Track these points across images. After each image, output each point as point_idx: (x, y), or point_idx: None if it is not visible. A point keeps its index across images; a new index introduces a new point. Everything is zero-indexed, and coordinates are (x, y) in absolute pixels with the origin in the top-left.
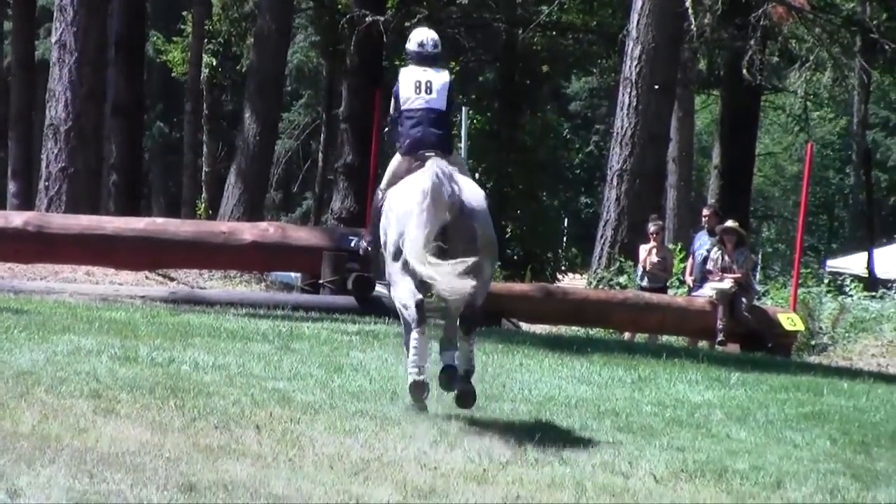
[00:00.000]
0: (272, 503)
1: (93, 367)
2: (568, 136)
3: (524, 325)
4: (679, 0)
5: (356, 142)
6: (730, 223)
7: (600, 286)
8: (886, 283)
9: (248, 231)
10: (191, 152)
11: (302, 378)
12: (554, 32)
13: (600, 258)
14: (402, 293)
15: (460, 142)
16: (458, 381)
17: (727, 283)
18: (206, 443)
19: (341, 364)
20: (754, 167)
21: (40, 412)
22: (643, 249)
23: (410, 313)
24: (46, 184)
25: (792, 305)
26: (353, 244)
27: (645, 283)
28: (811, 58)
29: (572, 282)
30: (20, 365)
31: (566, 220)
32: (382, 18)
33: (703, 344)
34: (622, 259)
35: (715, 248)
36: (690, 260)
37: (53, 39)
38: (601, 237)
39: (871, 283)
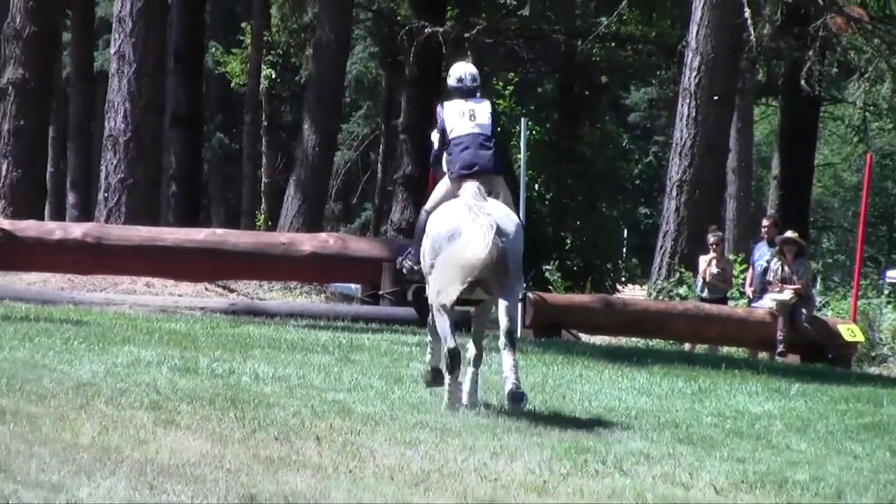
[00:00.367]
0: None
1: (153, 379)
2: (627, 147)
3: (584, 336)
4: (738, 11)
5: (415, 152)
6: (789, 234)
7: (660, 297)
8: None
9: (308, 242)
10: (250, 163)
11: (362, 389)
12: (613, 43)
13: (660, 269)
14: (439, 329)
15: (520, 152)
16: (509, 397)
17: (787, 294)
18: (266, 454)
19: (401, 375)
20: (813, 178)
21: (100, 423)
22: (703, 260)
23: (445, 357)
24: (106, 195)
25: (852, 316)
26: (398, 264)
27: (705, 294)
28: (870, 69)
29: (632, 293)
30: (80, 376)
31: (626, 231)
32: (441, 29)
33: (763, 355)
34: (682, 270)
35: (775, 259)
36: (750, 271)
37: (112, 50)
38: (661, 248)
39: None
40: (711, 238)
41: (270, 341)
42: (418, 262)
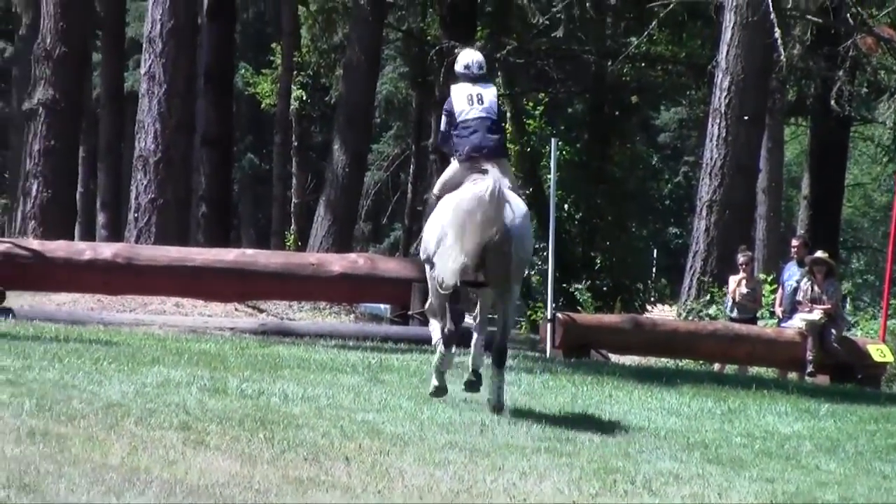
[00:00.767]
0: None
1: (182, 399)
2: (657, 167)
3: (613, 357)
4: (768, 31)
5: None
6: (819, 254)
7: (689, 317)
8: None
9: (338, 262)
10: (280, 184)
11: (391, 409)
12: (643, 64)
13: (689, 289)
14: (435, 308)
15: (550, 173)
16: (492, 407)
17: (817, 315)
18: (295, 475)
19: (431, 397)
20: (843, 198)
21: (130, 444)
22: (732, 280)
23: (437, 335)
24: (136, 215)
25: (881, 336)
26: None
27: (734, 314)
28: None
29: (661, 313)
30: (110, 397)
31: (655, 251)
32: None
33: (792, 375)
34: (712, 290)
35: (804, 279)
36: (780, 291)
37: (142, 71)
38: (690, 268)
39: None
40: (741, 258)
41: (300, 361)
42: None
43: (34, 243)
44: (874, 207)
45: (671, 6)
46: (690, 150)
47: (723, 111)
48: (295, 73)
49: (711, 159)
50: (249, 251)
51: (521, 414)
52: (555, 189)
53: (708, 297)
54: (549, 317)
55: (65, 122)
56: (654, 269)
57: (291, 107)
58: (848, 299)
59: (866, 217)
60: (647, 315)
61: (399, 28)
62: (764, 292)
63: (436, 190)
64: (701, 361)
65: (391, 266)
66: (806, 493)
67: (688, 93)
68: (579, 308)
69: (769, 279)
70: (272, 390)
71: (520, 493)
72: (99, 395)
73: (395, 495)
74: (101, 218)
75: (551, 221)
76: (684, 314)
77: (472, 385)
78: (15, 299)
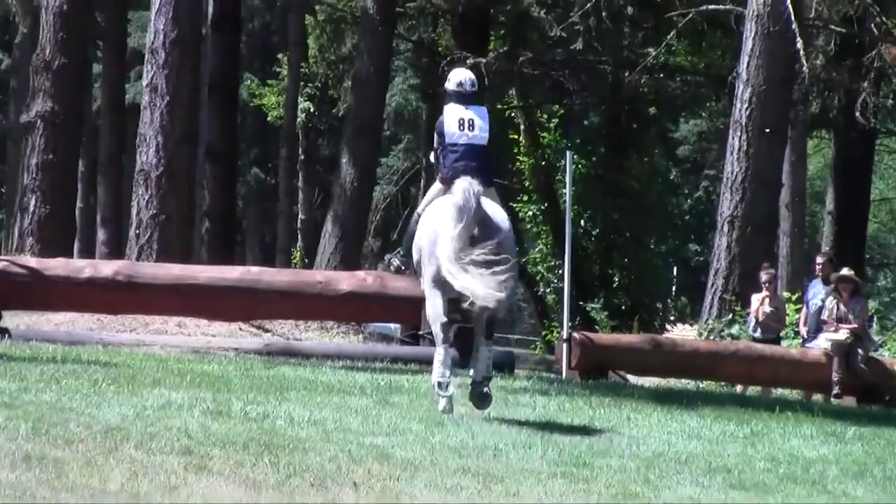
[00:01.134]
0: None
1: (184, 423)
2: (676, 181)
3: (632, 378)
4: (790, 41)
5: None
6: (845, 271)
7: (711, 337)
8: None
9: (346, 280)
10: (286, 199)
11: (401, 433)
12: (661, 74)
13: (711, 308)
14: (432, 311)
15: (565, 187)
16: (477, 386)
17: (843, 334)
18: (301, 501)
19: (442, 419)
20: (869, 213)
21: (130, 469)
22: (755, 299)
23: (437, 331)
24: (137, 231)
25: None
26: (386, 261)
27: (757, 333)
28: None
29: (682, 333)
30: (109, 420)
31: (675, 268)
32: (484, 61)
33: (817, 397)
34: (734, 309)
35: (830, 298)
36: (804, 310)
37: (144, 82)
38: (711, 286)
39: None
40: (764, 276)
41: (306, 383)
42: (406, 262)
43: (32, 261)
44: None
45: (690, 16)
46: (711, 163)
47: (744, 123)
48: (302, 84)
49: (732, 173)
50: (254, 269)
51: (536, 438)
52: (570, 204)
53: (730, 316)
54: (564, 337)
55: (64, 135)
56: (673, 287)
57: (298, 119)
58: (875, 318)
59: (893, 233)
60: (666, 335)
61: (409, 38)
62: (788, 311)
63: (420, 208)
64: (723, 383)
65: (401, 284)
66: None
67: (707, 104)
68: (596, 328)
69: (793, 298)
70: (277, 413)
71: None
72: (97, 418)
73: None
74: (101, 234)
75: (567, 237)
76: (705, 334)
77: (483, 398)
78: (11, 319)
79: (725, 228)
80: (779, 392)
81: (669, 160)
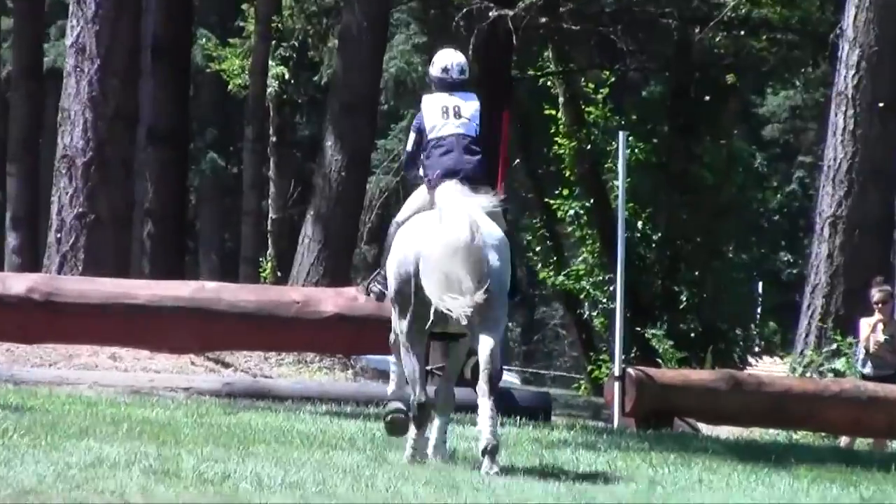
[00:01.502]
0: None
1: (119, 485)
2: (762, 171)
3: (704, 427)
4: None
5: None
6: None
7: (807, 373)
8: None
9: (331, 300)
10: (253, 193)
11: (402, 499)
12: (742, 31)
13: (807, 336)
14: (408, 364)
15: (617, 178)
16: (484, 452)
17: None
18: None
19: (457, 481)
20: None
21: None
22: (865, 324)
23: (413, 408)
24: (58, 236)
25: None
26: (365, 286)
27: (868, 369)
28: None
29: (769, 368)
30: (22, 481)
31: (760, 283)
32: (512, 13)
33: None
34: (837, 337)
35: None
36: None
37: (69, 42)
38: (808, 307)
39: None
40: (877, 294)
41: (279, 434)
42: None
43: None
44: None
45: None
46: (807, 147)
47: (850, 95)
48: (273, 43)
49: (835, 160)
50: (211, 284)
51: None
52: (624, 200)
53: (832, 346)
54: (616, 373)
55: None
56: (758, 309)
57: (269, 89)
58: None
59: None
60: (749, 371)
61: None
62: None
63: (399, 217)
64: (823, 433)
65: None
66: None
67: (803, 71)
68: (658, 361)
69: None
70: (241, 473)
71: None
72: (7, 479)
73: None
74: (11, 239)
75: (619, 245)
76: (800, 369)
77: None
78: None
79: (826, 232)
80: None
81: (753, 143)
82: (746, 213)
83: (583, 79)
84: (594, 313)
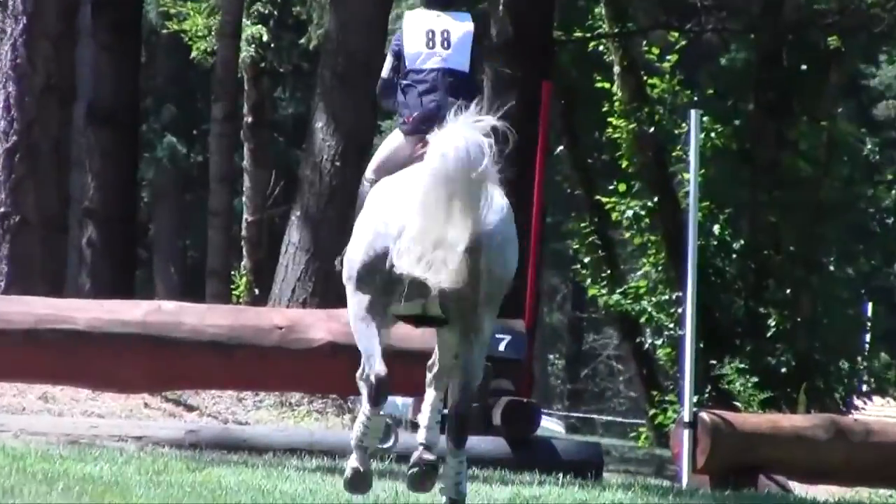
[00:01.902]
0: None
1: None
2: (873, 161)
3: (796, 486)
4: None
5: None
6: None
7: None
8: None
9: (322, 324)
10: (222, 188)
11: None
12: None
13: None
14: (364, 344)
15: (688, 170)
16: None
17: None
18: None
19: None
20: None
21: None
22: None
23: (366, 385)
24: None
25: None
26: (336, 264)
27: None
28: None
29: (880, 411)
30: None
31: (870, 305)
32: None
33: None
34: None
35: None
36: None
37: None
38: None
39: None
40: None
41: (257, 495)
42: None
43: None
44: None
45: None
46: None
47: None
48: None
49: None
50: (169, 305)
51: None
52: (696, 199)
53: None
54: (686, 419)
55: None
56: (866, 337)
57: (242, 55)
58: None
59: None
60: (854, 415)
61: None
62: None
63: (369, 173)
64: None
65: (413, 330)
66: None
67: None
68: (737, 403)
69: None
70: None
71: None
72: None
73: None
74: None
75: (690, 255)
76: None
77: (423, 476)
78: None
79: None
80: None
81: (862, 126)
82: (853, 215)
83: (645, 42)
84: (658, 342)
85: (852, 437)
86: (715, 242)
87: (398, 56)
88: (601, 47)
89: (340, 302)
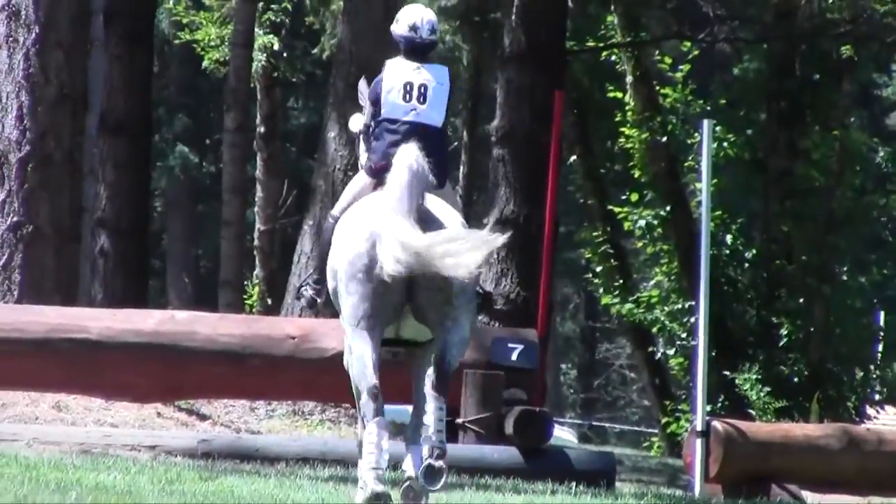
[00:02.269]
0: None
1: None
2: (887, 170)
3: (809, 496)
4: None
5: (520, 177)
6: None
7: None
8: None
9: (335, 334)
10: (235, 198)
11: None
12: None
13: None
14: (356, 366)
15: (699, 180)
16: (423, 472)
17: None
18: None
19: None
20: None
21: None
22: None
23: (363, 401)
24: None
25: None
26: (300, 290)
27: None
28: None
29: (893, 420)
30: None
31: (882, 314)
32: None
33: None
34: None
35: None
36: None
37: None
38: None
39: None
40: None
41: None
42: (321, 292)
43: None
44: None
45: None
46: None
47: None
48: (261, 7)
49: None
50: (182, 315)
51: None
52: (708, 208)
53: None
54: (699, 428)
55: None
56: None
57: (255, 65)
58: None
59: None
60: (867, 425)
61: None
62: None
63: (335, 210)
64: None
65: None
66: None
67: None
68: (751, 412)
69: None
70: None
71: None
72: None
73: None
74: None
75: (703, 264)
76: None
77: (434, 474)
78: None
79: None
80: None
81: (875, 136)
82: (865, 225)
83: (657, 52)
84: (670, 352)
85: (865, 447)
86: (727, 252)
87: (376, 102)
88: (613, 57)
89: None
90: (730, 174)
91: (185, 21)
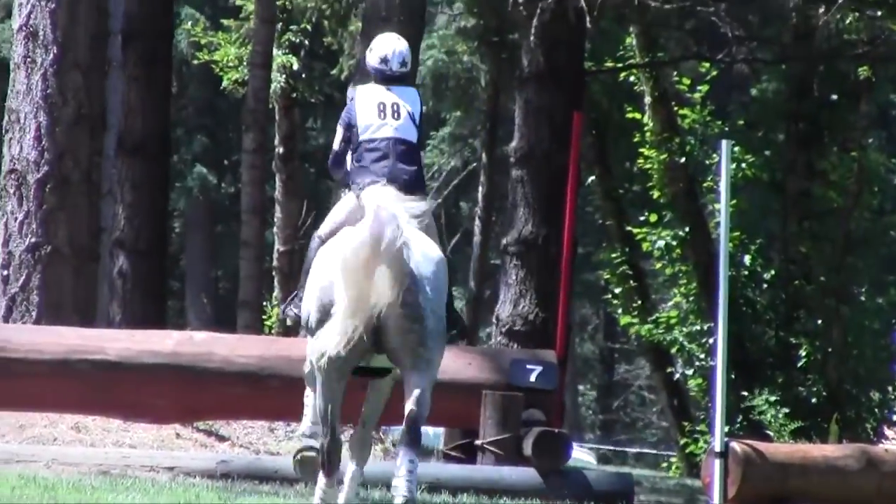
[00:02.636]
0: None
1: None
2: None
3: None
4: None
5: (539, 198)
6: None
7: None
8: None
9: None
10: (253, 219)
11: None
12: (879, 11)
13: None
14: (321, 406)
15: (717, 202)
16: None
17: None
18: None
19: None
20: None
21: None
22: None
23: (321, 452)
24: (5, 273)
25: None
26: (282, 310)
27: None
28: None
29: None
30: None
31: None
32: None
33: None
34: None
35: None
36: None
37: (16, 24)
38: None
39: None
40: None
41: None
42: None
43: None
44: None
45: None
46: None
47: None
48: (280, 27)
49: None
50: (200, 335)
51: None
52: (727, 229)
53: None
54: (717, 448)
55: None
56: None
57: (273, 85)
58: None
59: None
60: (886, 445)
61: None
62: None
63: (321, 231)
64: None
65: (445, 361)
66: None
67: None
68: (769, 433)
69: None
70: None
71: None
72: None
73: None
74: None
75: (721, 285)
76: None
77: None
78: None
79: None
80: None
81: (893, 156)
82: (884, 245)
83: (676, 73)
84: (689, 372)
85: (883, 467)
86: (746, 273)
87: (349, 127)
88: (632, 78)
89: None
90: (748, 195)
91: (203, 42)
